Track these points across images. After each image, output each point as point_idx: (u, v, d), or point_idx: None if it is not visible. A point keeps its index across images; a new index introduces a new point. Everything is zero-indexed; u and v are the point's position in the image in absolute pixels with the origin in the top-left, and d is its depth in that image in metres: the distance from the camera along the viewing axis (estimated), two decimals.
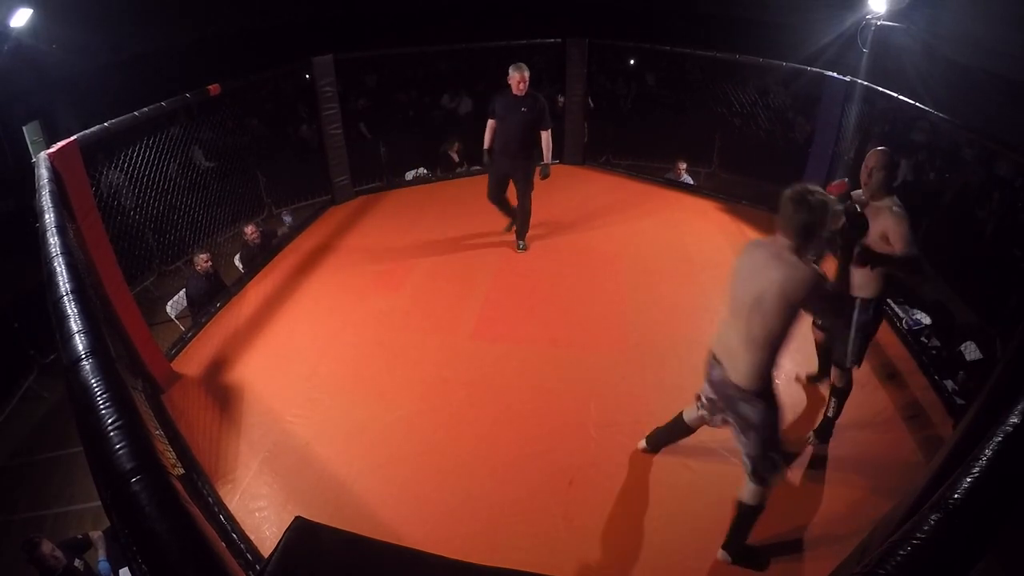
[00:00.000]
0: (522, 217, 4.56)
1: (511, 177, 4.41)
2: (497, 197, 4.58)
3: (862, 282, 2.59)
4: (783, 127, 7.99)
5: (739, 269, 2.04)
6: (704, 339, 3.05)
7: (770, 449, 2.14)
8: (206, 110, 6.18)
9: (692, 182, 6.53)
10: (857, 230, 2.11)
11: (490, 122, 4.36)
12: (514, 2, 11.64)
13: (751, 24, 10.39)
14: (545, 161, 4.29)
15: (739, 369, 2.04)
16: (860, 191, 2.60)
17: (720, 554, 2.34)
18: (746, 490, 2.23)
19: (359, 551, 1.16)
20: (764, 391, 2.06)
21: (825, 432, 2.94)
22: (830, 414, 2.90)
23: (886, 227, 2.42)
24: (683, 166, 6.48)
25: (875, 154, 2.52)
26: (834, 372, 2.86)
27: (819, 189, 1.91)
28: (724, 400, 2.18)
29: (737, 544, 2.32)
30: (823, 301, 1.97)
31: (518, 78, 4.08)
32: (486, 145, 4.45)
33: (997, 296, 5.22)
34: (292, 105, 8.93)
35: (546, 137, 4.22)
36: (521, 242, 4.68)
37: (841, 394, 2.87)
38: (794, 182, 1.94)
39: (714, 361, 2.18)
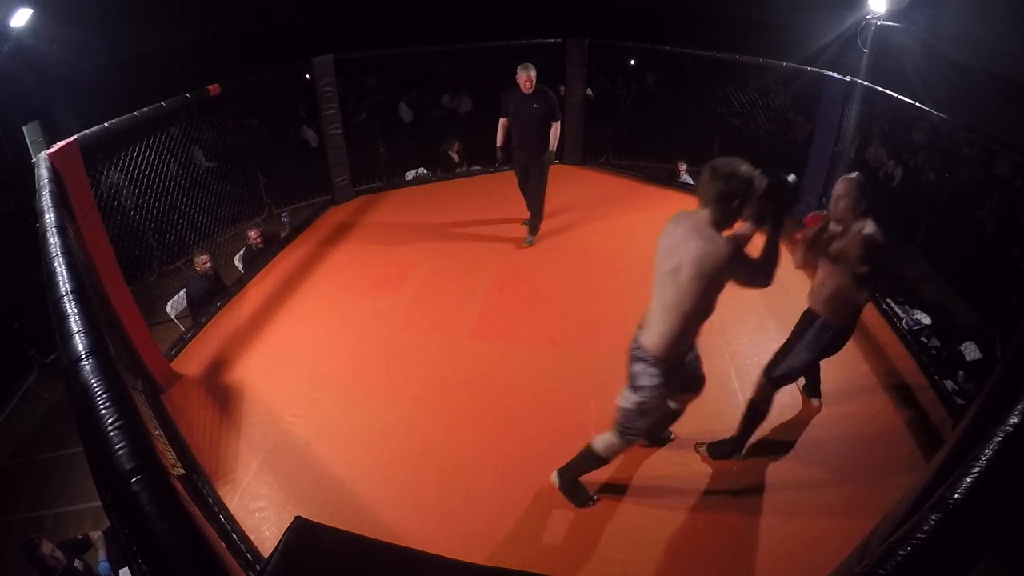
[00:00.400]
0: (535, 210, 4.70)
1: (529, 169, 4.60)
2: (524, 190, 4.80)
3: (829, 306, 2.55)
4: (783, 127, 7.99)
5: (662, 239, 2.06)
6: (704, 339, 3.05)
7: (641, 416, 2.20)
8: (206, 110, 6.19)
9: (692, 182, 6.53)
10: (784, 197, 2.00)
11: (502, 120, 4.55)
12: (514, 2, 11.63)
13: (751, 24, 10.38)
14: (551, 150, 4.49)
15: (650, 333, 2.11)
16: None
17: (552, 476, 2.59)
18: (602, 438, 2.35)
19: (359, 551, 1.16)
20: (664, 361, 2.11)
21: (721, 449, 2.74)
22: (737, 433, 2.71)
23: (848, 248, 2.45)
24: (683, 166, 6.48)
25: (839, 183, 2.55)
26: (758, 382, 2.67)
27: (744, 163, 1.91)
28: (629, 354, 2.22)
29: (569, 476, 2.54)
30: (744, 271, 1.97)
31: (525, 77, 4.33)
32: (499, 143, 4.62)
33: (997, 296, 5.22)
34: (292, 105, 8.93)
35: (555, 128, 4.43)
36: (531, 236, 4.76)
37: (753, 411, 2.65)
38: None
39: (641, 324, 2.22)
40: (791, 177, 2.01)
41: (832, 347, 2.65)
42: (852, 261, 2.41)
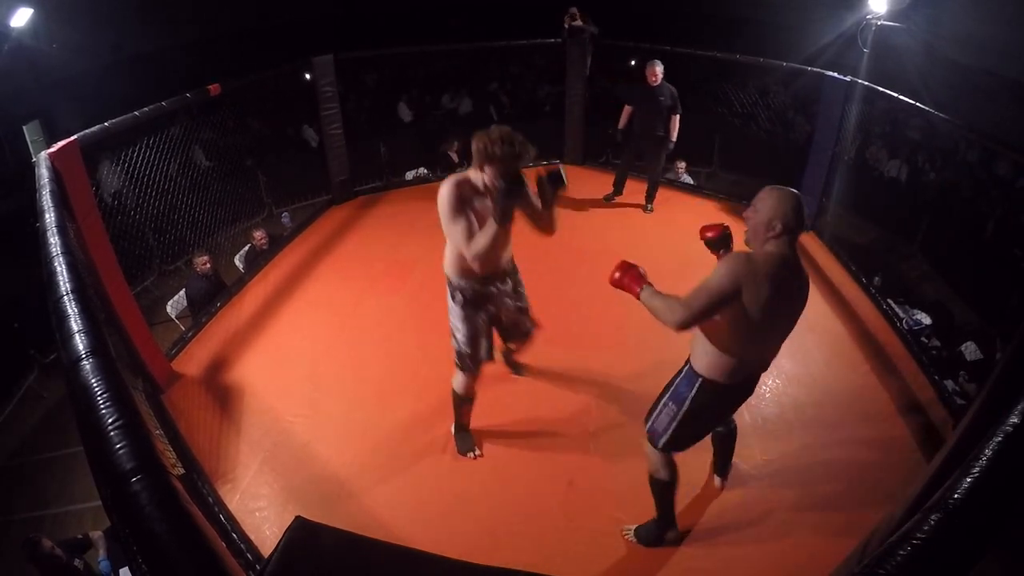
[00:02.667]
0: (653, 184, 5.34)
1: (645, 153, 5.30)
2: (630, 167, 5.51)
3: (695, 349, 2.03)
4: (783, 127, 8.00)
5: None
6: None
7: (466, 343, 2.54)
8: (206, 110, 6.19)
9: (692, 182, 6.53)
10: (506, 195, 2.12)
11: (627, 108, 5.26)
12: (514, 2, 11.63)
13: (751, 24, 10.38)
14: (671, 138, 5.06)
15: (444, 262, 2.49)
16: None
17: (451, 427, 2.88)
18: (454, 380, 2.69)
19: (359, 551, 1.16)
20: (451, 285, 2.52)
21: (646, 534, 2.39)
22: (653, 516, 2.35)
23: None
24: (683, 166, 6.47)
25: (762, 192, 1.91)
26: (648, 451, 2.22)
27: (516, 136, 2.14)
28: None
29: (457, 425, 2.87)
30: (442, 221, 2.29)
31: (651, 71, 4.93)
32: (621, 125, 5.34)
33: (997, 296, 5.23)
34: (292, 105, 8.94)
35: (676, 120, 5.01)
36: (649, 204, 5.37)
37: (656, 484, 2.26)
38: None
39: None
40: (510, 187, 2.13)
41: (706, 406, 2.02)
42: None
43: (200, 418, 3.13)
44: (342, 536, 1.16)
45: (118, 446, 0.96)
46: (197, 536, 0.85)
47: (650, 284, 1.99)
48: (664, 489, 2.27)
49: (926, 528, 0.85)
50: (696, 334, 1.99)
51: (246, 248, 5.05)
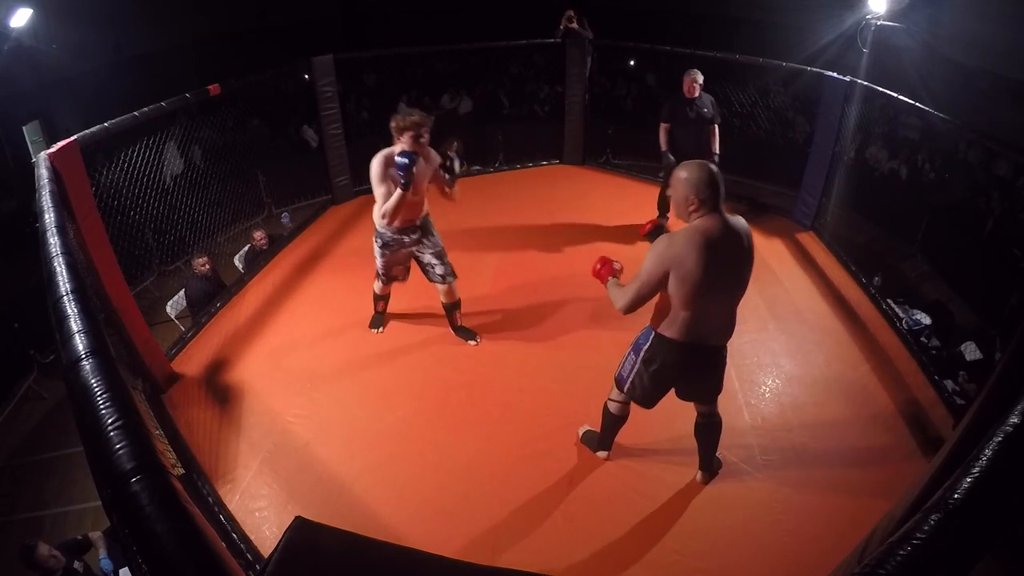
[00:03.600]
0: None
1: None
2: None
3: (654, 309, 2.21)
4: (783, 127, 7.99)
5: None
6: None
7: (379, 269, 3.38)
8: (206, 110, 6.19)
9: None
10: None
11: (664, 126, 4.62)
12: (514, 2, 11.63)
13: (751, 24, 10.38)
14: (714, 151, 4.54)
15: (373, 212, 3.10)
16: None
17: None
18: (375, 285, 3.56)
19: (359, 551, 1.16)
20: (375, 231, 3.18)
21: (588, 439, 2.83)
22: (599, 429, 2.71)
23: None
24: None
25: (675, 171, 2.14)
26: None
27: (419, 112, 3.03)
28: None
29: (375, 313, 3.72)
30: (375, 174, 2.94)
31: (689, 81, 4.44)
32: (663, 147, 4.65)
33: (997, 296, 5.23)
34: (293, 105, 8.93)
35: (715, 130, 4.56)
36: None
37: (606, 413, 2.60)
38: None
39: None
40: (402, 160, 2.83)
41: (664, 361, 2.21)
42: None
43: (200, 418, 3.13)
44: (342, 536, 1.16)
45: (118, 446, 0.96)
46: (197, 536, 0.85)
47: (616, 277, 2.28)
48: (611, 421, 2.63)
49: (926, 528, 0.84)
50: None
51: (246, 248, 5.05)
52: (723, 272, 2.03)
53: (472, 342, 3.61)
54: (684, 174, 2.00)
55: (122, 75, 8.92)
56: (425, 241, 3.29)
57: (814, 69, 5.00)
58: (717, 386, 2.40)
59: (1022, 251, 5.78)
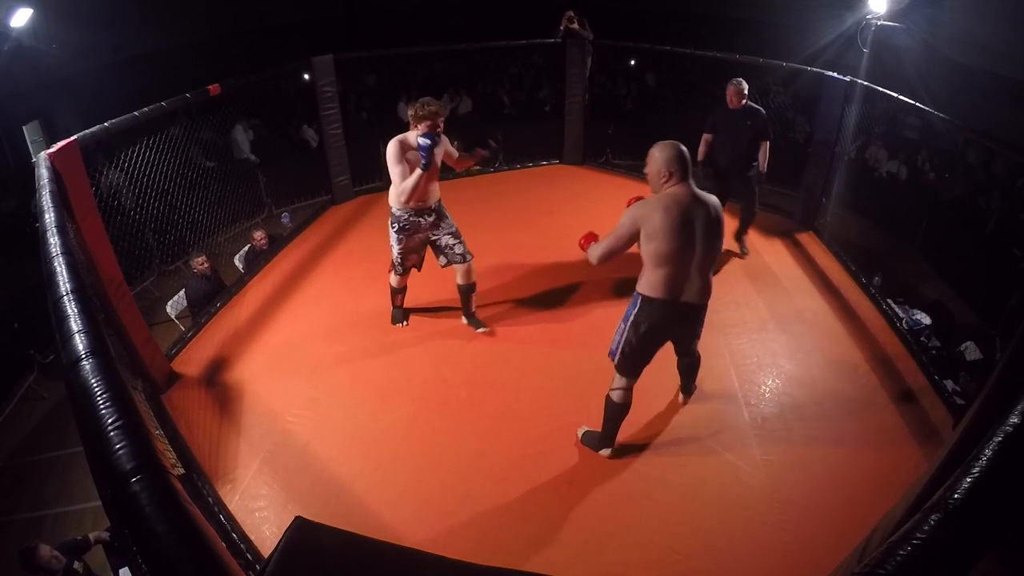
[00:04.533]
0: (745, 223, 4.56)
1: (735, 190, 4.39)
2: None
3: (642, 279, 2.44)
4: (783, 127, 7.99)
5: None
6: (705, 338, 3.04)
7: (396, 255, 3.47)
8: (206, 110, 6.19)
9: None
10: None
11: (706, 136, 4.40)
12: (514, 2, 11.63)
13: (751, 24, 10.38)
14: (761, 169, 4.29)
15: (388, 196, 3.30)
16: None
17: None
18: (391, 277, 3.64)
19: (359, 551, 1.16)
20: (391, 215, 3.34)
21: (590, 440, 2.84)
22: (601, 427, 2.78)
23: None
24: None
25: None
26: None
27: (435, 101, 3.10)
28: None
29: (394, 307, 3.80)
30: (391, 156, 3.11)
31: (732, 91, 4.18)
32: (700, 157, 4.40)
33: (997, 296, 5.23)
34: (293, 105, 8.94)
35: (765, 147, 4.24)
36: (743, 248, 4.61)
37: (609, 404, 2.68)
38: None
39: None
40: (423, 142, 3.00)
41: (650, 325, 2.44)
42: None
43: (200, 418, 3.13)
44: (342, 536, 1.16)
45: (118, 446, 0.96)
46: (197, 536, 0.86)
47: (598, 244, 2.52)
48: (614, 411, 2.68)
49: (926, 528, 0.85)
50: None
51: (246, 248, 5.05)
52: (690, 233, 2.29)
53: (482, 330, 3.69)
54: (658, 152, 2.32)
55: (122, 75, 8.92)
56: (441, 224, 3.42)
57: (814, 69, 4.99)
58: (696, 338, 2.70)
59: (1022, 251, 5.78)
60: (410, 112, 3.11)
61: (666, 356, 3.47)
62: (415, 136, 3.07)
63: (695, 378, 3.03)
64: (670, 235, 2.25)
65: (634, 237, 2.33)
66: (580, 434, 2.92)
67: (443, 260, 3.49)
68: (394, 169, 3.13)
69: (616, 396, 2.64)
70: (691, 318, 2.51)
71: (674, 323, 2.48)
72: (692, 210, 2.28)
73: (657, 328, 2.45)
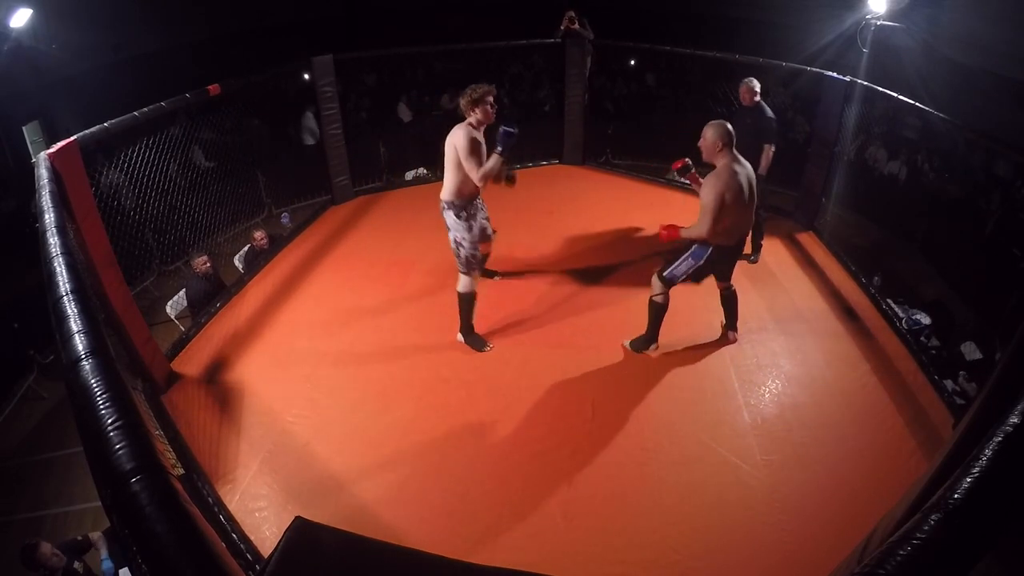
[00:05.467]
0: (758, 229, 4.38)
1: None
2: None
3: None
4: (783, 127, 7.98)
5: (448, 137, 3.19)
6: (703, 338, 3.04)
7: (471, 252, 3.29)
8: (206, 110, 6.18)
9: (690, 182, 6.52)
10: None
11: None
12: (515, 2, 11.63)
13: (751, 24, 10.38)
14: (761, 174, 4.12)
15: (444, 187, 3.24)
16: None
17: (458, 336, 3.55)
18: (459, 282, 3.36)
19: (359, 551, 1.16)
20: (454, 206, 3.22)
21: (638, 344, 3.46)
22: (646, 329, 3.40)
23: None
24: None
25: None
26: (652, 283, 3.28)
27: (483, 85, 3.16)
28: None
29: (464, 326, 3.53)
30: (464, 153, 3.09)
31: (744, 89, 4.36)
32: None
33: (997, 296, 5.22)
34: (292, 105, 8.93)
35: (767, 151, 4.16)
36: (754, 256, 4.50)
37: (653, 306, 3.33)
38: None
39: None
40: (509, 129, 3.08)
41: (710, 261, 3.16)
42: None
43: (200, 418, 3.13)
44: (342, 536, 1.16)
45: (118, 446, 0.96)
46: (197, 536, 0.86)
47: (683, 227, 3.12)
48: (658, 311, 3.33)
49: (926, 528, 0.85)
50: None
51: (246, 248, 5.05)
52: (746, 190, 3.00)
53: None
54: (711, 130, 2.98)
55: (122, 75, 8.92)
56: (483, 207, 3.53)
57: (814, 69, 4.99)
58: (733, 267, 3.39)
59: (1022, 251, 5.78)
60: (463, 100, 3.16)
61: (661, 371, 3.48)
62: (475, 123, 3.16)
63: (736, 311, 3.54)
64: (738, 197, 2.95)
65: (723, 204, 2.92)
66: (627, 344, 3.48)
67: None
68: (470, 159, 3.10)
69: (660, 299, 3.27)
70: (737, 253, 3.29)
71: (728, 258, 3.27)
72: (742, 175, 2.97)
73: (716, 262, 3.20)
